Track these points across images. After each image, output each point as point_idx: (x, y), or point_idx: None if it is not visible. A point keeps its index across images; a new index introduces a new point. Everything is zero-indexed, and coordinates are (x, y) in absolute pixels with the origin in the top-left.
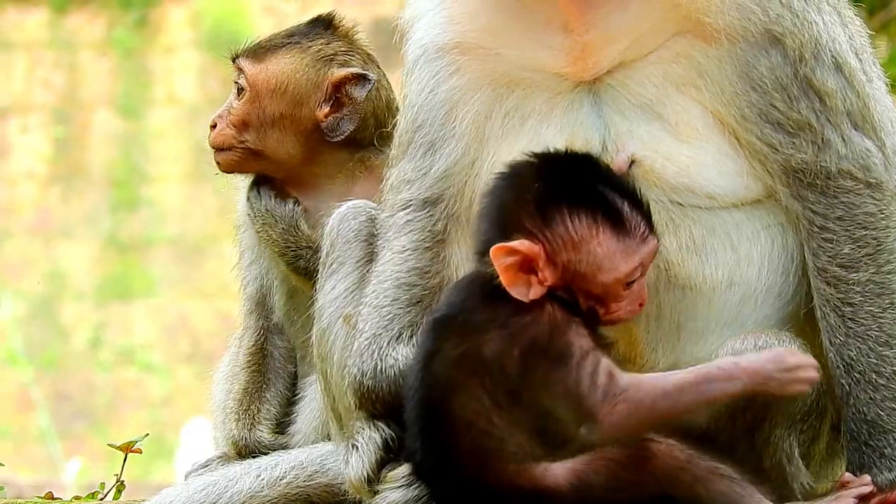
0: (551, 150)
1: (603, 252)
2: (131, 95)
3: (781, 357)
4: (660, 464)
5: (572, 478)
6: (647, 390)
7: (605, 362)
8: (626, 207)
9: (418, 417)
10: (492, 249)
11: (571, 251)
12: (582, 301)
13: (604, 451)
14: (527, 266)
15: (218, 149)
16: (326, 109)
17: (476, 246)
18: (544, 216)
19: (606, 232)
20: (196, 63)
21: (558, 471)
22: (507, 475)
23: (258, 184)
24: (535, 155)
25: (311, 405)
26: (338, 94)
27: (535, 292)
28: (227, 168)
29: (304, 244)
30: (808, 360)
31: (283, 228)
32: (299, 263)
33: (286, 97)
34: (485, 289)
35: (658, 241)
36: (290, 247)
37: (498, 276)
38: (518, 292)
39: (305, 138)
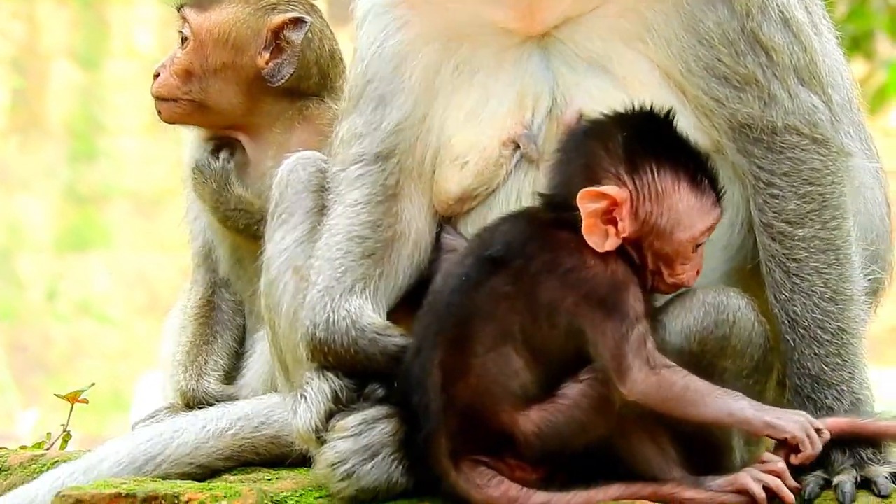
0: (633, 106)
1: (683, 208)
2: (90, 47)
3: (806, 427)
4: (610, 411)
5: (540, 422)
6: (681, 380)
7: (649, 335)
8: (703, 169)
9: (434, 338)
10: (581, 192)
11: (655, 203)
12: (650, 260)
13: (566, 396)
14: (608, 214)
15: (161, 98)
16: (267, 56)
17: (554, 191)
18: (633, 165)
19: (687, 188)
20: (155, 15)
21: (532, 415)
22: (495, 414)
23: (200, 141)
24: (617, 111)
25: (260, 359)
26: (277, 41)
27: (611, 243)
28: (169, 118)
29: (233, 205)
30: (824, 436)
31: (213, 188)
32: (229, 223)
33: (228, 46)
34: (547, 236)
35: (722, 211)
36: (219, 206)
37: (573, 223)
38: (594, 241)
39: (248, 87)
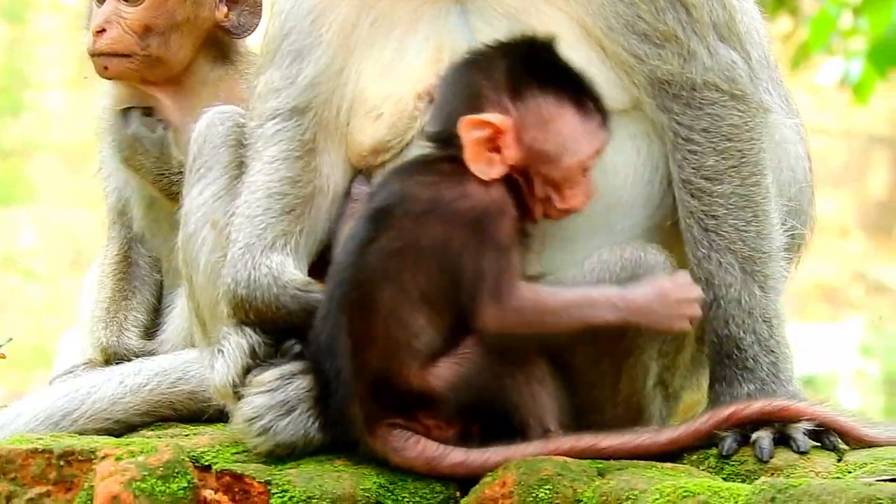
0: (516, 36)
1: (568, 132)
2: (15, 1)
3: (666, 294)
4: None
5: (449, 376)
6: (553, 294)
7: (518, 266)
8: (587, 93)
9: (339, 302)
10: (463, 120)
11: (539, 129)
12: (539, 187)
13: (470, 346)
14: (493, 142)
15: (113, 55)
16: (224, 9)
17: (435, 125)
18: (515, 92)
19: (572, 113)
20: None
21: (440, 371)
22: (405, 376)
23: (126, 110)
24: (499, 41)
25: (180, 314)
26: None
27: (497, 171)
28: (118, 74)
29: (176, 169)
30: (693, 293)
31: (154, 158)
32: (173, 189)
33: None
34: (427, 174)
35: (609, 134)
36: (163, 173)
37: (458, 155)
38: (479, 169)
39: (203, 42)
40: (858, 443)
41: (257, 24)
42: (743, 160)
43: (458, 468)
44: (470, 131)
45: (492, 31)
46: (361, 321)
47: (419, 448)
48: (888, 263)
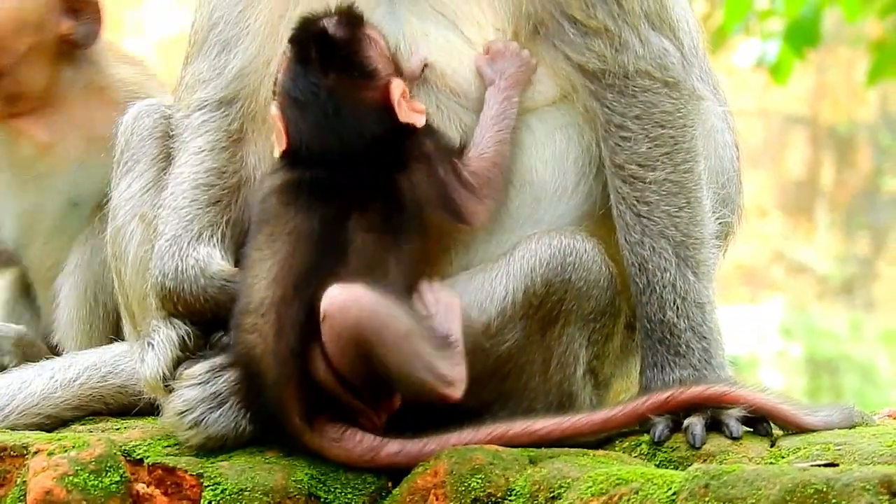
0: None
1: None
2: None
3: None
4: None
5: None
6: (481, 161)
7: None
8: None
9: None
10: (392, 84)
11: None
12: None
13: None
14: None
15: None
16: (68, 22)
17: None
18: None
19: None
20: None
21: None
22: (319, 363)
23: None
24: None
25: (66, 305)
26: (69, 3)
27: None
28: None
29: None
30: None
31: None
32: None
33: (27, 28)
34: None
35: None
36: None
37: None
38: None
39: (55, 61)
40: (798, 430)
41: (98, 32)
42: (675, 147)
43: (396, 458)
44: (396, 90)
45: (421, 25)
46: (289, 315)
47: (357, 439)
48: (807, 244)
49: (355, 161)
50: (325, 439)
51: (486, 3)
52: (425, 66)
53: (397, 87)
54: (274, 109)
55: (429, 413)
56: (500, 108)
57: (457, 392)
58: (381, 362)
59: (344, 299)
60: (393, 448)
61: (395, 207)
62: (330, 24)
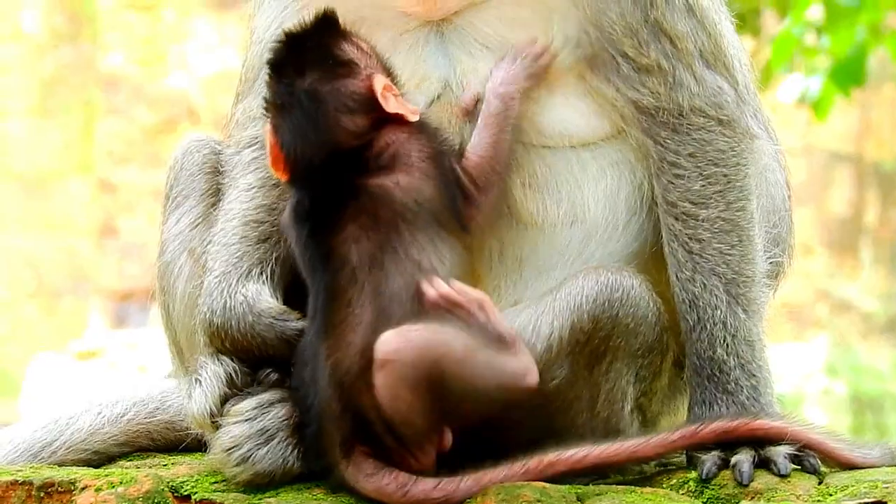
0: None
1: None
2: None
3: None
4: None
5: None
6: (479, 157)
7: None
8: None
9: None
10: (381, 85)
11: None
12: None
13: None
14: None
15: None
16: None
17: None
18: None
19: None
20: None
21: None
22: (369, 399)
23: None
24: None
25: None
26: None
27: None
28: None
29: None
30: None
31: None
32: None
33: None
34: None
35: None
36: None
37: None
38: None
39: None
40: (845, 466)
41: None
42: (729, 185)
43: (432, 493)
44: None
45: (472, 61)
46: (337, 346)
47: (391, 476)
48: (851, 282)
49: (345, 162)
50: (360, 473)
51: (532, 36)
52: (477, 101)
53: (380, 80)
54: (265, 126)
55: (476, 449)
56: (499, 105)
57: (534, 378)
58: (452, 388)
59: (396, 344)
60: (427, 485)
61: (396, 210)
62: (302, 30)
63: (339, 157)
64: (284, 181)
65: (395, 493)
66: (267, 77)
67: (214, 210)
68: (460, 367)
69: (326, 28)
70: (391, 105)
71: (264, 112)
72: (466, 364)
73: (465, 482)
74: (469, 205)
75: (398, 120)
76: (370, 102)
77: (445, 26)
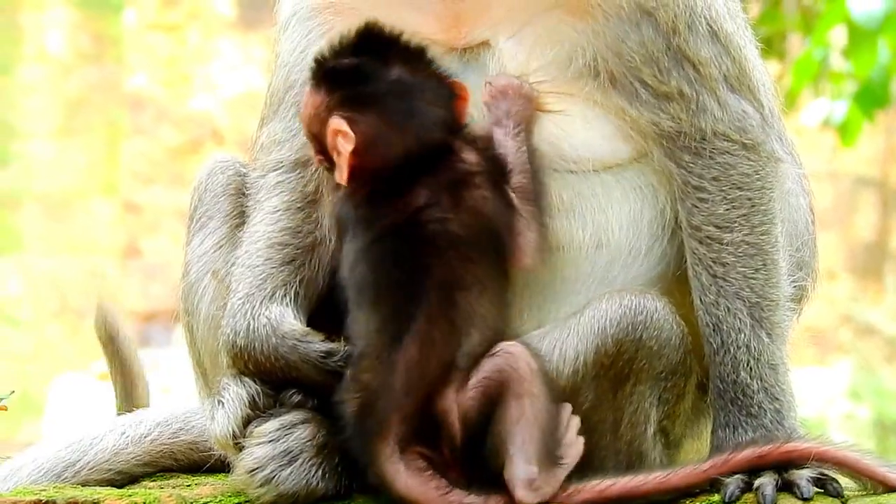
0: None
1: None
2: (1, 51)
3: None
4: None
5: (464, 405)
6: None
7: None
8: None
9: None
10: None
11: None
12: None
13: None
14: None
15: None
16: None
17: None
18: None
19: None
20: (66, 18)
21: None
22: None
23: None
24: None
25: None
26: None
27: None
28: None
29: None
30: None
31: None
32: None
33: None
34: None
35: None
36: None
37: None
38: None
39: None
40: (880, 483)
41: None
42: (753, 209)
43: (465, 500)
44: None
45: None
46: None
47: (437, 480)
48: (875, 306)
49: (426, 164)
50: (409, 469)
51: (554, 64)
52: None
53: (461, 87)
54: (337, 122)
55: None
56: (517, 145)
57: (529, 500)
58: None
59: (523, 355)
60: (462, 496)
61: (474, 226)
62: (379, 28)
63: (423, 158)
64: (349, 185)
65: (435, 496)
66: (339, 65)
67: (238, 231)
68: (523, 418)
69: (398, 34)
70: (464, 115)
71: (327, 104)
72: (525, 422)
73: (492, 499)
74: (527, 230)
75: (465, 136)
76: (451, 107)
77: (469, 55)
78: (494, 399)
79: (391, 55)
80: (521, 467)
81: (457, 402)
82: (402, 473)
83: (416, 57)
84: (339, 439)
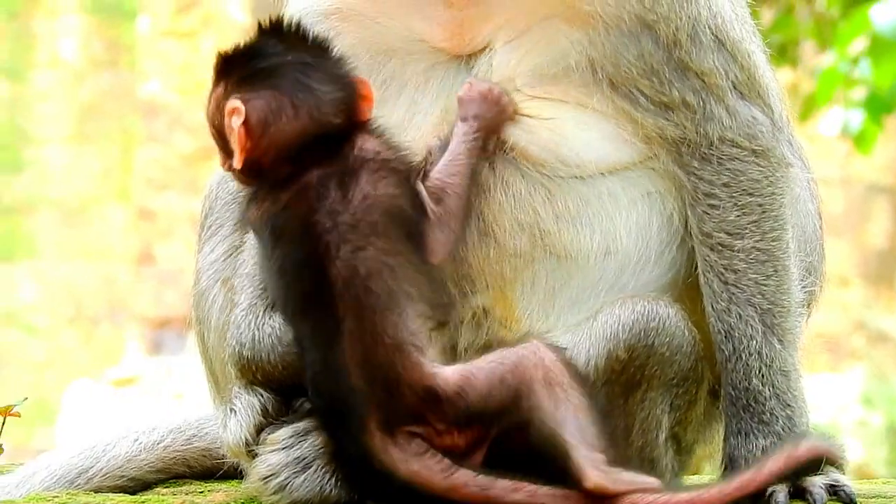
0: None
1: None
2: (15, 58)
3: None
4: (530, 372)
5: (460, 380)
6: (441, 181)
7: None
8: None
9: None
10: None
11: None
12: None
13: (492, 354)
14: None
15: None
16: None
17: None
18: None
19: None
20: (79, 25)
21: (447, 374)
22: (413, 376)
23: None
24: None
25: None
26: None
27: None
28: None
29: None
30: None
31: None
32: None
33: None
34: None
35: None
36: None
37: None
38: None
39: None
40: None
41: None
42: (764, 215)
43: (473, 481)
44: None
45: None
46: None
47: (437, 458)
48: (888, 313)
49: (321, 152)
50: (405, 453)
51: (554, 71)
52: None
53: (364, 83)
54: (232, 102)
55: (507, 462)
56: (468, 145)
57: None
58: (540, 411)
59: (542, 346)
60: (469, 475)
61: (378, 214)
62: (284, 21)
63: (318, 144)
64: (241, 171)
65: (438, 475)
66: (240, 49)
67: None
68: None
69: (305, 28)
70: (367, 112)
71: (224, 91)
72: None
73: (502, 482)
74: (438, 230)
75: (367, 129)
76: (352, 98)
77: (474, 61)
78: (512, 384)
79: (291, 40)
80: (585, 454)
81: (436, 373)
82: (402, 460)
83: (318, 45)
84: (332, 453)
